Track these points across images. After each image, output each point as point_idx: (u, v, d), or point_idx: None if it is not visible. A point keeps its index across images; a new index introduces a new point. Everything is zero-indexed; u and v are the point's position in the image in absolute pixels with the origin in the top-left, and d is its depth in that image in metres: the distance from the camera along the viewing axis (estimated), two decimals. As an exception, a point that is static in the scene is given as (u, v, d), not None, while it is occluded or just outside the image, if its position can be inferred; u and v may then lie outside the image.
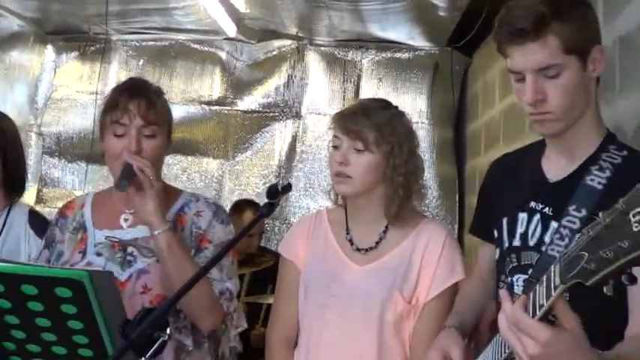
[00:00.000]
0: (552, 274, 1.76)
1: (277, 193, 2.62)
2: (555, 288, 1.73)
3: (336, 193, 3.18)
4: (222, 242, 3.06)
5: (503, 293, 1.92)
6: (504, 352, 2.14)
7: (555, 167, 2.50)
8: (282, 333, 3.23)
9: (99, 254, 3.02)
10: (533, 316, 1.82)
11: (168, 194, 3.06)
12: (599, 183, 2.34)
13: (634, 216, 1.48)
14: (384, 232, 3.13)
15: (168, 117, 3.10)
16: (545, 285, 1.79)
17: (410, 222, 3.12)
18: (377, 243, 3.12)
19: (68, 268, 2.87)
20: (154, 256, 2.97)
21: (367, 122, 3.02)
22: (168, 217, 3.00)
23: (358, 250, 3.13)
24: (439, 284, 3.04)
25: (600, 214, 1.59)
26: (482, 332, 2.50)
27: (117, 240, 3.03)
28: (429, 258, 3.06)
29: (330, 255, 3.15)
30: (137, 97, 2.97)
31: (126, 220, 3.08)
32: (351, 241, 3.15)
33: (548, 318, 1.82)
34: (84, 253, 3.04)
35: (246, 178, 7.87)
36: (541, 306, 1.80)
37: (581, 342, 1.83)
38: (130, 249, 3.01)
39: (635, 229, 1.47)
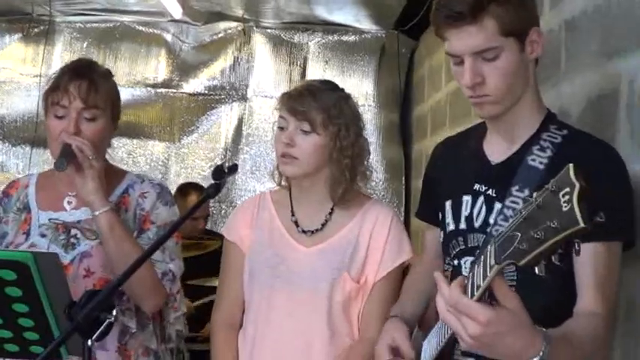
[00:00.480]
0: (488, 254, 1.77)
1: (223, 173, 2.61)
2: (491, 268, 1.74)
3: (281, 174, 3.17)
4: (166, 224, 3.04)
5: (437, 276, 1.93)
6: (446, 334, 2.17)
7: (497, 149, 2.51)
8: (226, 315, 3.22)
9: (43, 235, 3.00)
10: (472, 297, 1.82)
11: (113, 175, 3.04)
12: (540, 163, 2.36)
13: (563, 196, 1.49)
14: (330, 213, 3.13)
15: (113, 100, 3.06)
16: (482, 265, 1.80)
17: (355, 203, 3.13)
18: (323, 225, 3.13)
19: (12, 250, 2.85)
20: (97, 239, 2.95)
21: (314, 104, 3.02)
22: (112, 198, 2.98)
23: (304, 232, 3.13)
24: (387, 264, 3.07)
25: (534, 194, 1.60)
26: (431, 313, 2.51)
27: (60, 222, 3.01)
28: (376, 238, 3.08)
29: (275, 237, 3.15)
30: (79, 79, 2.93)
31: (69, 202, 3.05)
32: (296, 223, 3.15)
33: (491, 301, 1.83)
34: (28, 234, 3.02)
35: (192, 161, 7.83)
36: (478, 286, 1.80)
37: (522, 321, 1.83)
38: (73, 231, 2.99)
39: (564, 209, 1.48)
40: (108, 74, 3.08)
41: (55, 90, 2.94)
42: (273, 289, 3.08)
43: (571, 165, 1.52)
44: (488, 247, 1.77)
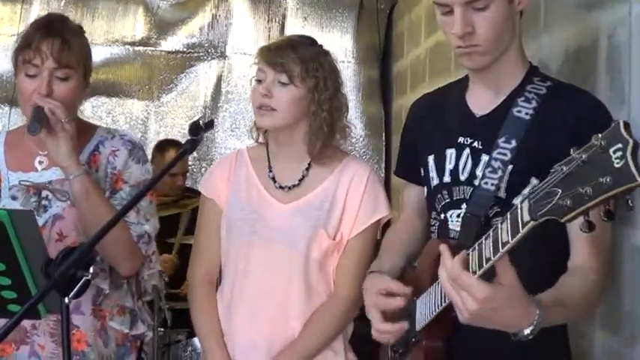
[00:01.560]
0: (519, 210, 1.76)
1: (200, 129, 2.59)
2: (524, 224, 1.73)
3: (258, 127, 3.17)
4: (139, 182, 3.02)
5: (443, 249, 1.95)
6: (443, 302, 2.18)
7: (481, 101, 2.52)
8: (204, 272, 3.22)
9: (14, 198, 2.96)
10: (495, 252, 1.84)
11: (82, 131, 2.97)
12: (526, 114, 2.37)
13: (614, 152, 1.47)
14: (307, 169, 3.13)
15: (86, 58, 3.00)
16: (510, 222, 1.79)
17: (333, 160, 3.12)
18: (300, 180, 3.12)
19: (-14, 208, 2.82)
20: (69, 199, 2.92)
21: (293, 55, 3.01)
22: (82, 157, 2.94)
23: (281, 187, 3.13)
24: (363, 221, 3.07)
25: (572, 150, 1.58)
26: (423, 270, 2.50)
27: (31, 183, 2.97)
28: (352, 195, 3.07)
29: (252, 193, 3.14)
30: (51, 37, 2.86)
31: (41, 162, 3.00)
32: (273, 179, 3.14)
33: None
34: None
35: (171, 119, 7.78)
36: (505, 242, 1.81)
37: (518, 294, 1.90)
38: (44, 192, 2.96)
39: (617, 165, 1.46)
40: (80, 31, 3.02)
41: (27, 48, 2.87)
42: (251, 246, 3.08)
43: (621, 121, 1.49)
44: (519, 203, 1.77)
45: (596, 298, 2.27)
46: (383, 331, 2.52)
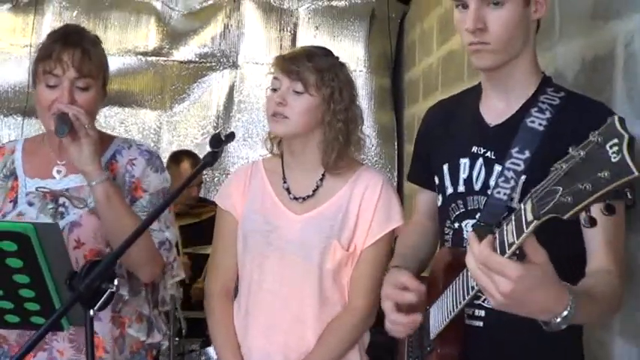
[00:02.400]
0: (522, 211, 1.76)
1: (220, 141, 2.60)
2: (528, 224, 1.74)
3: (272, 138, 3.18)
4: (158, 191, 3.04)
5: (471, 235, 1.92)
6: (466, 296, 2.16)
7: (494, 111, 2.53)
8: (221, 284, 3.23)
9: (30, 204, 2.97)
10: (502, 255, 1.83)
11: (100, 141, 2.96)
12: (539, 124, 2.38)
13: (611, 147, 1.49)
14: (321, 180, 3.14)
15: (104, 68, 3.02)
16: (514, 223, 1.80)
17: (347, 170, 3.13)
18: (314, 191, 3.13)
19: (13, 221, 2.83)
20: (86, 207, 2.94)
21: (309, 64, 3.02)
22: None
23: (295, 199, 3.13)
24: (376, 231, 3.08)
25: (570, 149, 1.60)
26: (435, 278, 2.51)
27: (48, 190, 2.98)
28: (366, 205, 3.08)
29: (267, 205, 3.15)
30: (71, 47, 2.89)
31: (59, 171, 3.01)
32: (288, 190, 3.15)
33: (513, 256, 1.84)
34: (15, 201, 3.00)
35: (184, 129, 7.80)
36: (511, 244, 1.81)
37: (550, 276, 1.86)
38: (61, 199, 2.97)
39: (614, 160, 1.48)
40: (97, 41, 3.04)
41: (47, 59, 2.89)
42: (265, 257, 3.09)
43: (616, 117, 1.53)
44: (522, 204, 1.77)
45: (619, 301, 2.26)
46: (394, 321, 2.52)
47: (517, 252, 1.82)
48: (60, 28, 3.10)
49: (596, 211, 1.59)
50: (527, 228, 1.75)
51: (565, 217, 1.62)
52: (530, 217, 1.73)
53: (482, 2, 2.34)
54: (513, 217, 1.81)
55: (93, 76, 2.93)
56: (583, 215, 1.61)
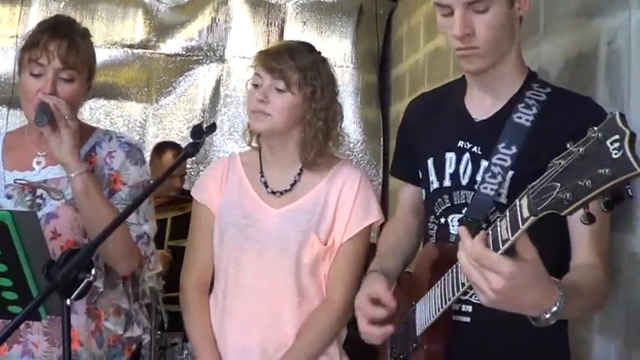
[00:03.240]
0: (518, 207, 1.76)
1: (202, 132, 2.60)
2: (524, 220, 1.74)
3: (252, 132, 3.17)
4: (138, 183, 3.03)
5: (462, 230, 1.92)
6: (456, 292, 2.15)
7: (480, 106, 2.53)
8: (196, 277, 3.22)
9: (9, 197, 2.96)
10: (496, 251, 1.83)
11: (80, 133, 2.94)
12: (526, 120, 2.39)
13: (611, 143, 1.49)
14: (299, 174, 3.13)
15: (91, 61, 3.02)
16: (509, 219, 1.80)
17: (325, 165, 3.12)
18: (292, 185, 3.12)
19: (-11, 209, 2.82)
20: (63, 198, 2.93)
21: (291, 63, 3.00)
22: None
23: (273, 192, 3.13)
24: (355, 226, 3.07)
25: (568, 145, 1.60)
26: (421, 274, 2.51)
27: (26, 182, 2.97)
28: (344, 200, 3.08)
29: (245, 198, 3.14)
30: (59, 38, 2.88)
31: (39, 162, 3.00)
32: (265, 184, 3.14)
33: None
34: None
35: (169, 122, 7.79)
36: (505, 240, 1.81)
37: (541, 272, 1.86)
38: (39, 191, 2.96)
39: (614, 156, 1.48)
40: (87, 34, 3.03)
41: (34, 47, 2.88)
42: (243, 251, 3.08)
43: (617, 112, 1.52)
44: (518, 200, 1.77)
45: (604, 296, 2.27)
46: (366, 333, 2.53)
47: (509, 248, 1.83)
48: (50, 18, 3.10)
49: (592, 207, 1.58)
50: (522, 224, 1.75)
51: (563, 214, 1.62)
52: (526, 213, 1.73)
53: (468, 7, 2.32)
54: (508, 213, 1.81)
55: (78, 68, 2.91)
56: (581, 212, 1.60)
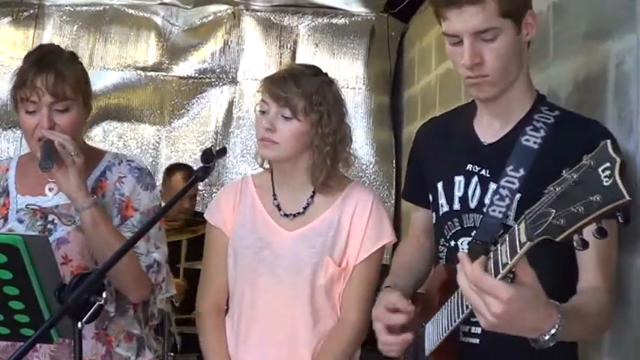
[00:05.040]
0: (516, 232, 1.78)
1: (212, 156, 2.61)
2: (522, 245, 1.76)
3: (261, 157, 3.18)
4: (149, 209, 3.02)
5: (461, 256, 1.94)
6: (462, 313, 2.16)
7: (489, 130, 2.54)
8: (212, 300, 3.22)
9: (20, 221, 2.97)
10: (496, 275, 1.85)
11: (90, 157, 2.96)
12: (534, 142, 2.39)
13: (603, 171, 1.51)
14: (311, 197, 3.14)
15: (82, 86, 2.97)
16: (508, 244, 1.82)
17: (336, 187, 3.13)
18: (304, 208, 3.13)
19: (3, 233, 2.83)
20: (74, 224, 2.93)
21: (297, 90, 3.00)
22: (88, 182, 2.94)
23: (286, 215, 3.14)
24: (368, 247, 3.08)
25: (564, 172, 1.62)
26: (431, 295, 2.51)
27: (37, 207, 2.98)
28: (357, 221, 3.09)
29: (258, 221, 3.15)
30: (44, 72, 2.84)
31: (51, 189, 3.00)
32: (278, 207, 3.15)
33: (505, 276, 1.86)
34: (5, 218, 2.99)
35: (182, 144, 7.83)
36: (505, 264, 1.83)
37: (540, 296, 1.88)
38: (50, 216, 2.96)
39: (605, 184, 1.50)
40: (74, 58, 3.01)
41: (22, 86, 2.87)
42: (257, 273, 3.09)
43: (608, 141, 1.55)
44: (516, 225, 1.79)
45: (608, 318, 2.27)
46: (386, 342, 2.53)
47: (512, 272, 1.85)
48: (34, 49, 3.07)
49: (588, 233, 1.60)
50: (520, 249, 1.77)
51: (557, 239, 1.64)
52: (523, 238, 1.75)
53: (476, 37, 2.33)
54: (507, 238, 1.83)
55: (70, 97, 2.89)
56: (575, 238, 1.62)
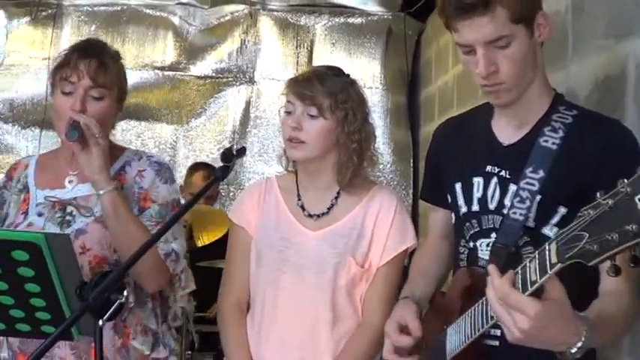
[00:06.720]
0: (547, 252, 1.79)
1: (232, 156, 2.61)
2: (552, 266, 1.77)
3: (288, 158, 3.19)
4: (167, 202, 3.04)
5: (491, 269, 1.95)
6: (486, 323, 2.17)
7: (507, 131, 2.53)
8: (234, 298, 3.24)
9: (40, 214, 3.00)
10: (524, 291, 1.86)
11: (111, 152, 2.99)
12: (553, 143, 2.38)
13: (639, 200, 1.51)
14: (336, 197, 3.16)
15: (120, 82, 3.05)
16: (538, 262, 1.82)
17: (361, 188, 3.15)
18: (329, 209, 3.15)
19: (25, 231, 2.85)
20: (92, 215, 2.96)
21: (322, 88, 3.03)
22: None
23: (310, 216, 3.15)
24: (391, 250, 3.10)
25: (598, 195, 1.61)
26: (453, 299, 2.52)
27: (56, 199, 3.01)
28: (380, 224, 3.10)
29: (282, 221, 3.17)
30: (89, 57, 2.93)
31: (71, 181, 3.04)
32: (302, 207, 3.17)
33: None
34: (26, 213, 3.03)
35: (200, 143, 7.84)
36: (533, 282, 1.84)
37: (567, 310, 1.89)
38: (69, 208, 2.99)
39: None
40: (117, 56, 3.07)
41: (64, 66, 2.93)
42: (281, 273, 3.10)
43: None
44: (547, 245, 1.80)
45: (631, 321, 2.26)
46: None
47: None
48: (82, 40, 3.15)
49: (620, 259, 1.60)
50: (550, 269, 1.78)
51: (590, 264, 1.65)
52: (554, 259, 1.76)
53: (489, 45, 2.31)
54: (537, 256, 1.84)
55: (107, 86, 2.95)
56: (608, 263, 1.62)
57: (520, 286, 1.88)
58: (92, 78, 2.91)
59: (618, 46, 2.73)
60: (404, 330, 2.52)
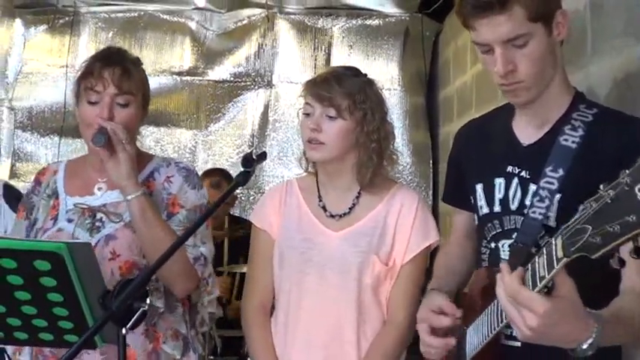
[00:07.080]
0: (553, 246, 1.78)
1: (252, 161, 2.61)
2: (558, 260, 1.76)
3: (308, 159, 3.21)
4: (195, 207, 3.06)
5: (503, 266, 1.94)
6: (500, 322, 2.17)
7: (527, 130, 2.52)
8: (258, 301, 3.25)
9: (69, 220, 3.02)
10: (533, 288, 1.85)
11: (139, 159, 3.02)
12: (573, 142, 2.37)
13: (639, 190, 1.50)
14: (357, 197, 3.17)
15: (144, 88, 3.08)
16: (545, 257, 1.82)
17: (382, 188, 3.17)
18: (350, 209, 3.16)
19: (46, 240, 2.86)
20: (122, 221, 2.98)
21: (340, 89, 3.04)
22: None
23: (332, 216, 3.17)
24: (414, 247, 3.11)
25: (601, 187, 1.61)
26: (472, 299, 2.51)
27: (86, 206, 3.03)
28: (402, 222, 3.12)
29: (304, 222, 3.18)
30: (112, 65, 2.95)
31: (100, 188, 3.06)
32: (324, 208, 3.18)
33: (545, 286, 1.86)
34: (55, 219, 3.05)
35: (219, 148, 7.84)
36: (542, 277, 1.83)
37: (576, 307, 1.88)
38: (98, 215, 3.01)
39: None
40: (138, 62, 3.10)
41: (89, 76, 2.96)
42: (304, 274, 3.12)
43: None
44: (553, 239, 1.79)
45: None
46: (428, 344, 2.54)
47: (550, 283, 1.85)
48: (103, 49, 3.17)
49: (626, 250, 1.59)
50: (557, 264, 1.77)
51: (593, 257, 1.64)
52: (560, 253, 1.75)
53: (507, 44, 2.31)
54: (545, 251, 1.83)
55: (132, 93, 2.98)
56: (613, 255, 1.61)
57: (530, 282, 1.87)
58: (117, 85, 2.94)
59: (638, 45, 2.72)
60: (440, 313, 2.51)
